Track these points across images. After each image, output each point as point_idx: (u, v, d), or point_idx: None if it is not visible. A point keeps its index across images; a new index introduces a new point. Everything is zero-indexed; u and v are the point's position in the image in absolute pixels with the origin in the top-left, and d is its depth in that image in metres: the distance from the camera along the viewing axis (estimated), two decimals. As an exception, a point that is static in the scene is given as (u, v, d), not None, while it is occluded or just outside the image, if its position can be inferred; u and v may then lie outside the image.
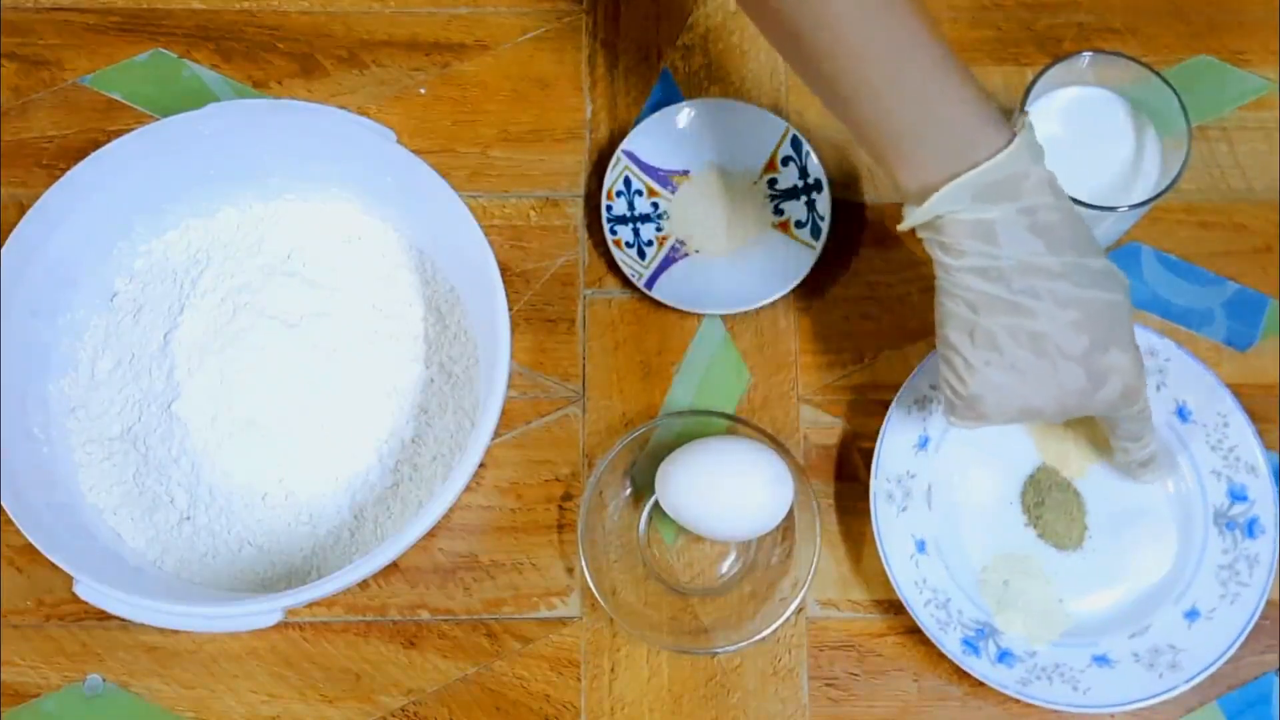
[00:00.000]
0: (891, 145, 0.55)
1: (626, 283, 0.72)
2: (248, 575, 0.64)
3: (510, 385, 0.64)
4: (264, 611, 0.57)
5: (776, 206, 0.73)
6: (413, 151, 0.64)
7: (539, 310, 0.72)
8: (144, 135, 0.64)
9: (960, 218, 0.55)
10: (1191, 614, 0.65)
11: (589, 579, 0.64)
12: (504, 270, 0.63)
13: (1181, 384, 0.67)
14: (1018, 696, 0.63)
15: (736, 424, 0.67)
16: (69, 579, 0.57)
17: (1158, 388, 0.68)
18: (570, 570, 0.68)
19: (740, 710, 0.66)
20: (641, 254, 0.72)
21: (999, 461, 0.68)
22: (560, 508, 0.69)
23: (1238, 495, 0.66)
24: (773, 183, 0.74)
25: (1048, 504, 0.67)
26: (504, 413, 0.64)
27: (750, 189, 0.74)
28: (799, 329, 0.72)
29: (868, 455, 0.67)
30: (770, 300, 0.70)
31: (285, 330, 0.65)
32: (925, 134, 0.54)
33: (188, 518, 0.64)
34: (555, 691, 0.66)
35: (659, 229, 0.73)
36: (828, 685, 0.66)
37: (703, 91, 0.76)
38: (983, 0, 0.78)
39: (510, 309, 0.61)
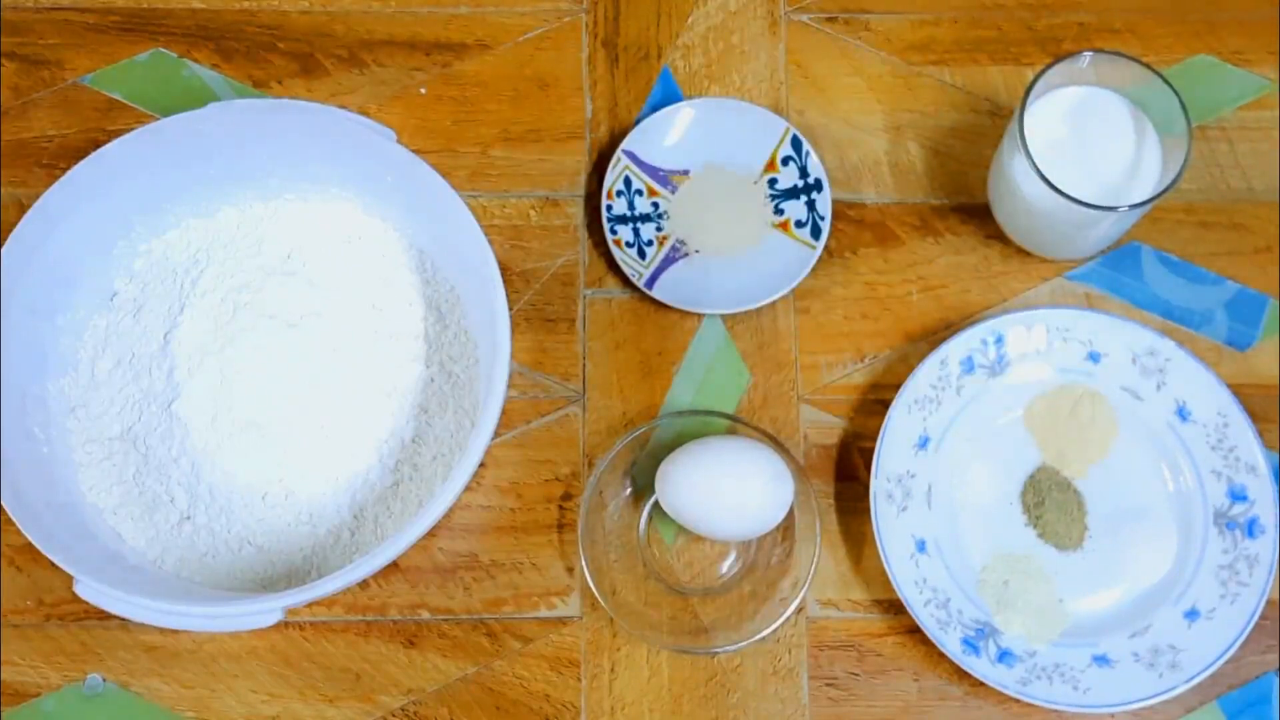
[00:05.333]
0: None
1: (626, 282, 0.72)
2: (248, 575, 0.64)
3: (510, 385, 0.64)
4: (264, 611, 0.57)
5: (776, 206, 0.73)
6: (413, 151, 0.64)
7: (539, 310, 0.72)
8: (144, 135, 0.64)
9: None
10: (1191, 614, 0.65)
11: (589, 579, 0.64)
12: (504, 270, 0.63)
13: (1181, 384, 0.67)
14: (1018, 696, 0.63)
15: (736, 424, 0.67)
16: (69, 579, 0.57)
17: (1158, 387, 0.68)
18: (570, 570, 0.68)
19: (740, 710, 0.66)
20: (641, 254, 0.72)
21: (999, 461, 0.68)
22: (560, 508, 0.69)
23: (1238, 495, 0.66)
24: (773, 182, 0.74)
25: (1048, 504, 0.67)
26: (504, 413, 0.64)
27: (750, 189, 0.74)
28: (799, 329, 0.72)
29: (868, 455, 0.67)
30: (770, 300, 0.70)
31: (285, 330, 0.65)
32: None
33: (188, 517, 0.64)
34: (555, 691, 0.66)
35: (659, 229, 0.73)
36: (828, 685, 0.66)
37: (703, 91, 0.76)
38: (983, 0, 0.78)
39: (510, 309, 0.61)
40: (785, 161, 0.73)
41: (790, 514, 0.65)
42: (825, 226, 0.71)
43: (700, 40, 0.77)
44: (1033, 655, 0.64)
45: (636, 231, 0.73)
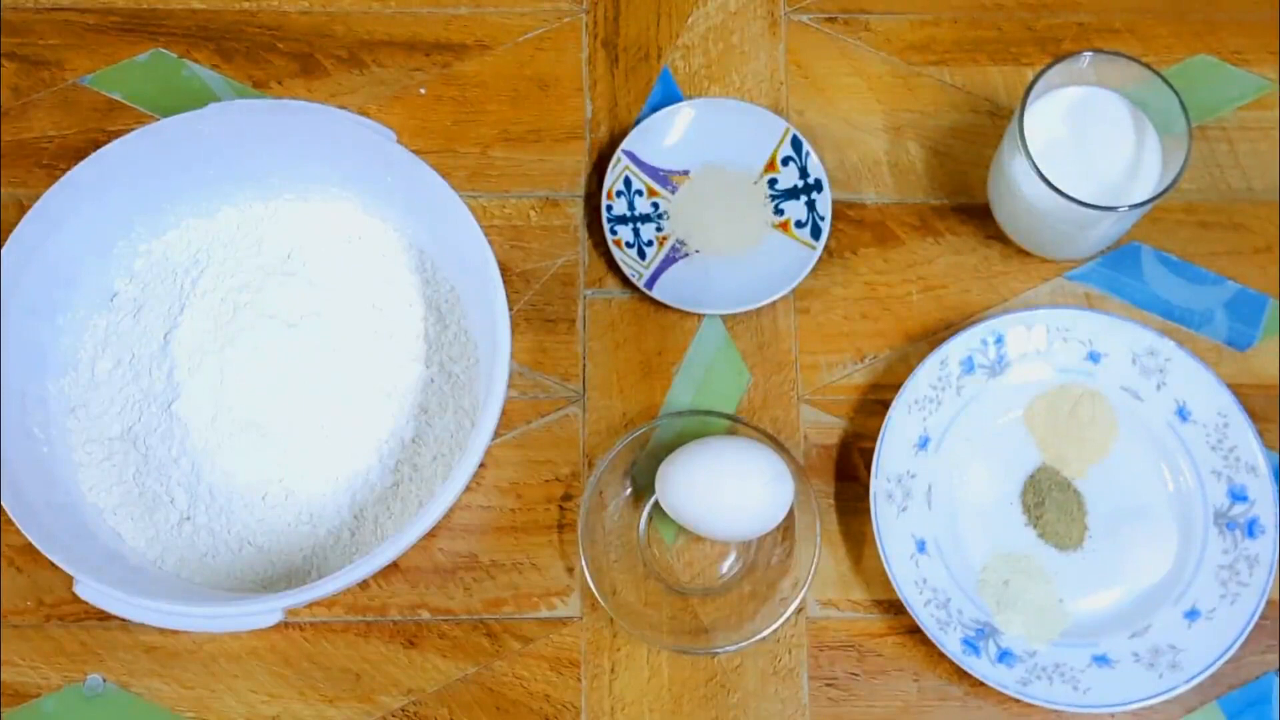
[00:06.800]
0: None
1: (626, 283, 0.72)
2: (248, 575, 0.64)
3: (510, 385, 0.64)
4: (264, 611, 0.57)
5: (776, 206, 0.73)
6: (413, 151, 0.64)
7: (539, 310, 0.72)
8: (144, 135, 0.64)
9: None
10: (1191, 614, 0.65)
11: (589, 579, 0.64)
12: (504, 270, 0.63)
13: (1181, 384, 0.67)
14: (1018, 696, 0.63)
15: (736, 424, 0.67)
16: (69, 579, 0.57)
17: (1158, 387, 0.68)
18: (570, 570, 0.68)
19: (740, 710, 0.66)
20: (641, 254, 0.72)
21: (999, 461, 0.68)
22: (560, 508, 0.69)
23: (1238, 495, 0.66)
24: (773, 183, 0.74)
25: (1048, 504, 0.67)
26: (504, 413, 0.63)
27: (750, 189, 0.74)
28: (799, 329, 0.72)
29: (868, 455, 0.67)
30: (770, 300, 0.70)
31: (285, 330, 0.65)
32: None
33: (188, 518, 0.64)
34: (555, 691, 0.66)
35: (659, 229, 0.73)
36: (828, 685, 0.66)
37: (703, 91, 0.76)
38: (983, 0, 0.78)
39: (510, 309, 0.61)
40: (785, 161, 0.73)
41: (790, 514, 0.65)
42: (825, 226, 0.71)
43: (700, 40, 0.77)
44: (1033, 655, 0.64)
45: (636, 231, 0.73)
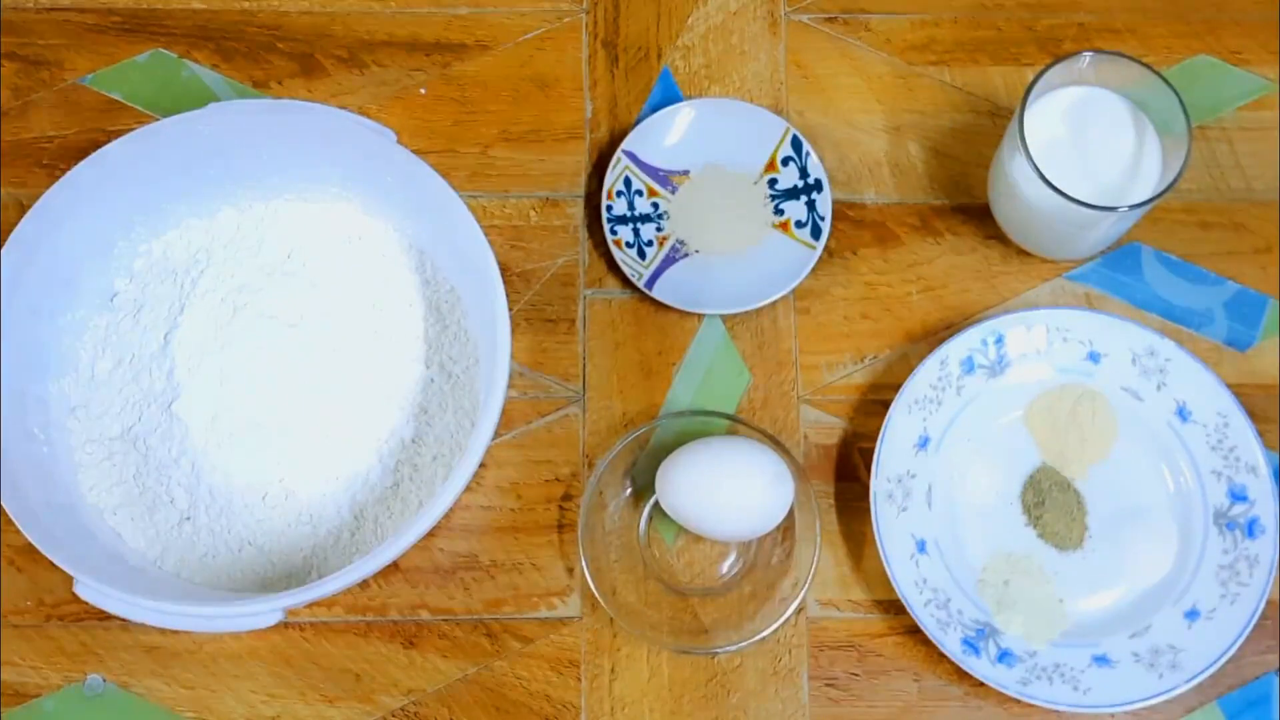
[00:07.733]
0: None
1: (626, 283, 0.72)
2: (248, 575, 0.64)
3: (510, 385, 0.64)
4: (264, 611, 0.57)
5: (776, 206, 0.73)
6: (413, 151, 0.64)
7: (539, 310, 0.72)
8: (144, 135, 0.64)
9: None
10: (1192, 614, 0.65)
11: (589, 579, 0.64)
12: (504, 270, 0.63)
13: (1181, 384, 0.67)
14: (1018, 696, 0.63)
15: (736, 424, 0.67)
16: (69, 579, 0.57)
17: (1158, 388, 0.68)
18: (570, 570, 0.68)
19: (740, 710, 0.66)
20: (642, 254, 0.72)
21: (999, 461, 0.68)
22: (560, 508, 0.69)
23: (1238, 495, 0.66)
24: (773, 183, 0.74)
25: (1048, 504, 0.67)
26: (504, 413, 0.64)
27: (750, 189, 0.74)
28: (799, 329, 0.72)
29: (868, 455, 0.67)
30: (770, 300, 0.70)
31: (285, 330, 0.65)
32: None
33: (188, 518, 0.64)
34: (555, 691, 0.66)
35: (659, 229, 0.73)
36: (828, 685, 0.66)
37: (703, 91, 0.76)
38: (983, 0, 0.78)
39: (510, 309, 0.61)
40: (785, 162, 0.73)
41: (790, 514, 0.65)
42: (825, 227, 0.71)
43: (700, 40, 0.77)
44: (1033, 655, 0.64)
45: (636, 232, 0.73)
